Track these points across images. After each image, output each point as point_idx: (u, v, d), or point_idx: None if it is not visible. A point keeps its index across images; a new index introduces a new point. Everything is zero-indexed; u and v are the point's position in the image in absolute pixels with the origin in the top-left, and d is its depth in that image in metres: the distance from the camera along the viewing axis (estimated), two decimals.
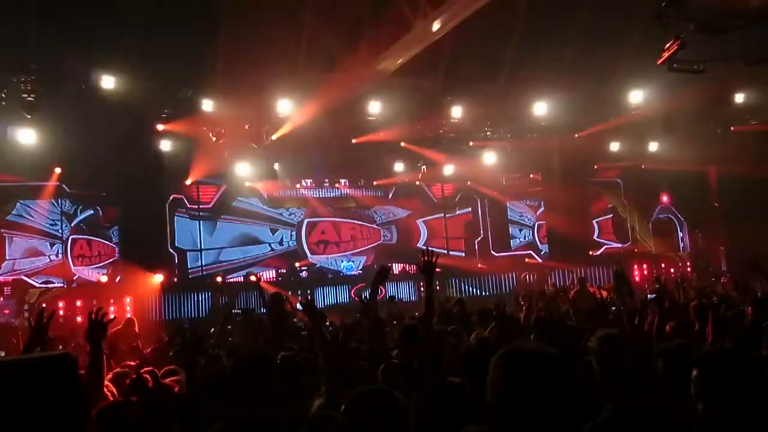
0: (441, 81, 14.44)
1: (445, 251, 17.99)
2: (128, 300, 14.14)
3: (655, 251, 19.54)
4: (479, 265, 18.25)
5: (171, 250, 15.83)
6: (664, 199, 20.17)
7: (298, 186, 17.43)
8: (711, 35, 9.58)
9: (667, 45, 9.85)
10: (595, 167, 18.99)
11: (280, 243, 17.27)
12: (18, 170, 13.73)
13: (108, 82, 11.94)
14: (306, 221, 17.56)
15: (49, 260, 14.96)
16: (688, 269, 18.72)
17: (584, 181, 18.76)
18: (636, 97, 15.09)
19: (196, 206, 16.24)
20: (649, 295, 8.03)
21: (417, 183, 18.03)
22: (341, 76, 12.99)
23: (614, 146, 17.60)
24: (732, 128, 17.03)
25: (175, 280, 15.66)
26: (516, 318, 6.85)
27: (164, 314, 14.86)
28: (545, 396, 2.01)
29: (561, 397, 2.03)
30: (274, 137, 14.46)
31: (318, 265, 17.38)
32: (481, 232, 18.94)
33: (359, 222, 18.02)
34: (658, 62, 10.20)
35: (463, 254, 18.37)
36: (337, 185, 17.77)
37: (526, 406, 2.02)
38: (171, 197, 15.80)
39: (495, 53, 14.32)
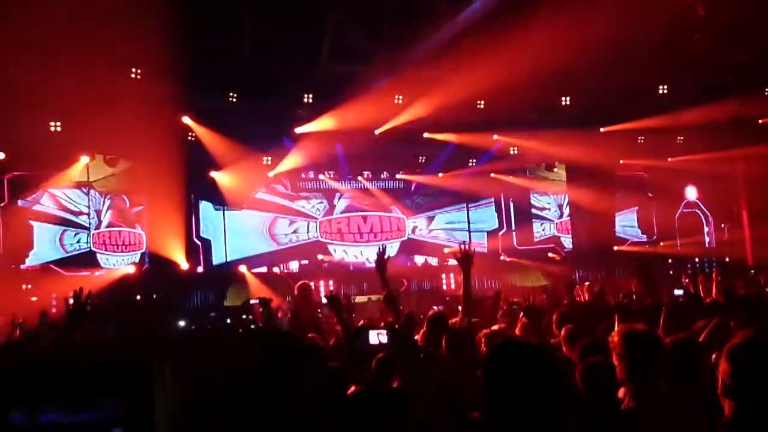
0: (464, 72, 14.33)
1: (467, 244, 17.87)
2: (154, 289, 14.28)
3: (681, 247, 19.28)
4: (502, 258, 18.18)
5: (196, 241, 15.96)
6: (690, 193, 19.90)
7: (321, 178, 17.47)
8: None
9: None
10: (621, 161, 18.75)
11: (303, 235, 17.33)
12: (44, 159, 13.90)
13: (134, 73, 12.07)
14: (329, 213, 17.61)
15: (75, 250, 15.17)
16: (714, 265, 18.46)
17: (609, 175, 18.54)
18: (663, 91, 14.91)
19: (221, 197, 16.31)
20: (675, 291, 7.93)
21: (440, 175, 17.96)
22: (364, 68, 12.99)
23: (639, 140, 17.40)
24: (760, 121, 16.74)
25: (200, 269, 15.80)
26: (543, 311, 6.82)
27: (190, 303, 15.00)
28: (527, 383, 2.18)
29: (544, 385, 2.19)
30: (297, 131, 14.51)
31: (340, 258, 17.42)
32: (504, 225, 18.86)
33: (384, 213, 18.02)
34: None
35: (485, 249, 18.27)
36: (360, 178, 17.77)
37: (513, 394, 2.19)
38: (196, 188, 15.91)
39: (519, 44, 14.17)
